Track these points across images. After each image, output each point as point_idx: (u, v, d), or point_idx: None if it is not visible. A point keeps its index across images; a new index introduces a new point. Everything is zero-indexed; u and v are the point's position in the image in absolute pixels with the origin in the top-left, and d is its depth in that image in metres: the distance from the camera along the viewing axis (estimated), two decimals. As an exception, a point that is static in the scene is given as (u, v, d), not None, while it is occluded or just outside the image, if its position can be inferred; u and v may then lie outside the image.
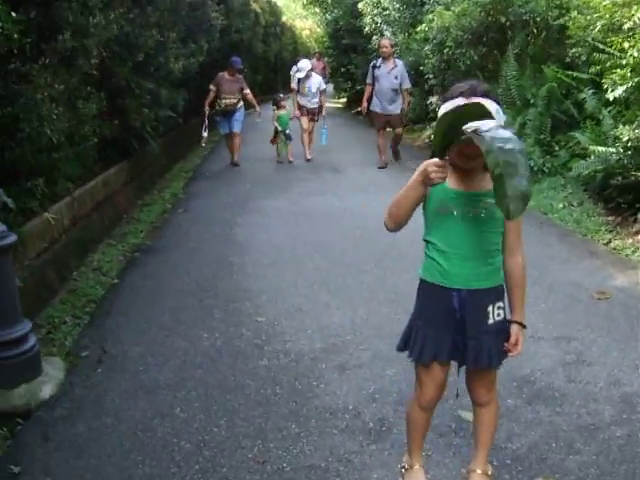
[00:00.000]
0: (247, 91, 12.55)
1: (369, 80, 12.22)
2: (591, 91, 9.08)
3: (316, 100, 13.10)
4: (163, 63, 9.81)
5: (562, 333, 4.71)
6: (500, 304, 2.72)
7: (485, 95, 2.54)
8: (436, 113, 10.38)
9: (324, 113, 13.35)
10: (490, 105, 2.39)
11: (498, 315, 2.70)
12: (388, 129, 12.20)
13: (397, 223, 2.66)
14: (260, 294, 5.65)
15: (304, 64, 13.21)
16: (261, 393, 3.97)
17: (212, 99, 12.28)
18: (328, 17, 25.20)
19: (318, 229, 7.84)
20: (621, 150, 7.21)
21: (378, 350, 4.46)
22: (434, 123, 14.08)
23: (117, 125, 8.13)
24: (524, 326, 2.75)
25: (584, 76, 9.33)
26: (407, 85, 12.05)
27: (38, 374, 4.08)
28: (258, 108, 13.10)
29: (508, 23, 10.80)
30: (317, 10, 31.64)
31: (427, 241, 2.72)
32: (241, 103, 12.51)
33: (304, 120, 13.02)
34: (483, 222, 2.60)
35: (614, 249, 6.80)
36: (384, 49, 11.94)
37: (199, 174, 12.29)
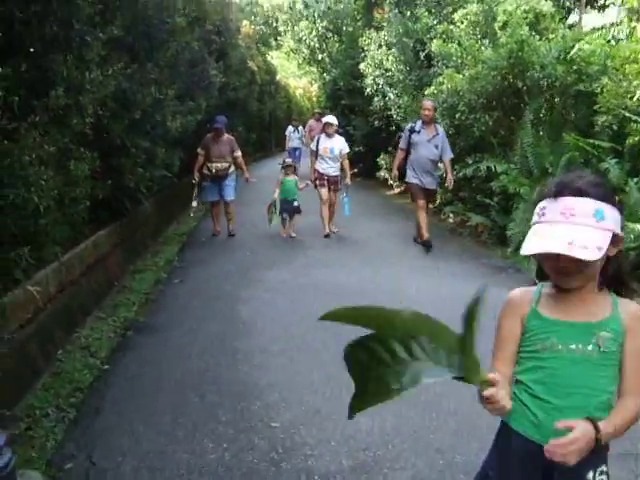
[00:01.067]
0: (238, 154, 11.14)
1: (403, 145, 10.57)
2: (614, 160, 8.58)
3: (338, 165, 11.38)
4: (160, 121, 9.27)
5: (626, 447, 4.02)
6: (603, 468, 2.03)
7: (581, 192, 1.88)
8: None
9: (348, 181, 11.62)
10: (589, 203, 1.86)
11: None
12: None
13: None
14: (271, 390, 4.91)
15: (332, 119, 11.48)
16: (284, 531, 3.24)
17: (201, 164, 10.99)
18: (326, 77, 24.91)
19: (329, 307, 7.08)
20: (662, 228, 6.69)
21: (417, 470, 3.74)
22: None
23: (109, 185, 7.53)
24: (598, 431, 1.85)
25: (605, 144, 8.84)
26: (450, 155, 10.49)
27: (12, 497, 3.35)
28: (247, 174, 11.46)
29: (525, 88, 10.31)
30: (313, 69, 31.58)
31: (517, 379, 2.08)
32: (233, 168, 11.21)
33: (324, 191, 11.26)
34: (596, 363, 1.95)
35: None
36: (426, 112, 10.29)
37: (194, 239, 11.48)
